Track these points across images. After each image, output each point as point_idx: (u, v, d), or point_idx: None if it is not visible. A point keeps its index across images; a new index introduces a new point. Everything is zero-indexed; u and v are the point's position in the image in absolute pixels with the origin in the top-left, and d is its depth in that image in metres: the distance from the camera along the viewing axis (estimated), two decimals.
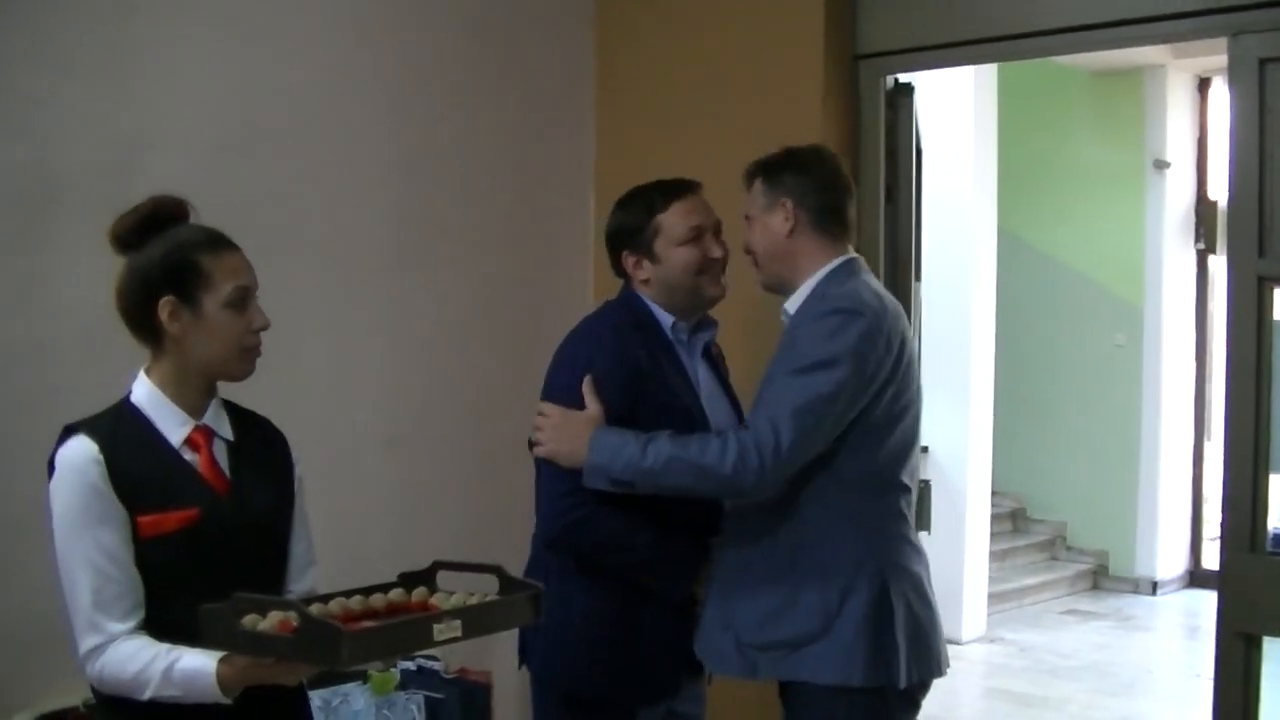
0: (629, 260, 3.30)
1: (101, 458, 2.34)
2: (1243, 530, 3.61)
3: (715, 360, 3.47)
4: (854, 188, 3.25)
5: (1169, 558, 10.21)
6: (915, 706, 3.07)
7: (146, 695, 2.29)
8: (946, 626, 3.35)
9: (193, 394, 2.48)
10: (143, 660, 2.29)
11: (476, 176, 4.54)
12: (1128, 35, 3.93)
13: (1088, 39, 4.01)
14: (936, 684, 3.10)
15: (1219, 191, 9.84)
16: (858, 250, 3.23)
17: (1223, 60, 3.77)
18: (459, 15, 4.50)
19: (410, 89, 4.34)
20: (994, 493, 9.11)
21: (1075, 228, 10.43)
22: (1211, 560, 9.80)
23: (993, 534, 9.12)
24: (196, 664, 2.27)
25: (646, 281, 3.28)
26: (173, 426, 2.45)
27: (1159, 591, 10.08)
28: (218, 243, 2.47)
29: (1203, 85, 10.26)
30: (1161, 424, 10.04)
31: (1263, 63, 3.61)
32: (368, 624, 2.26)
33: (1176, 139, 10.13)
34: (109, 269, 2.47)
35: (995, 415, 8.81)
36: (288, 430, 2.70)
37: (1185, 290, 10.24)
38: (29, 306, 3.43)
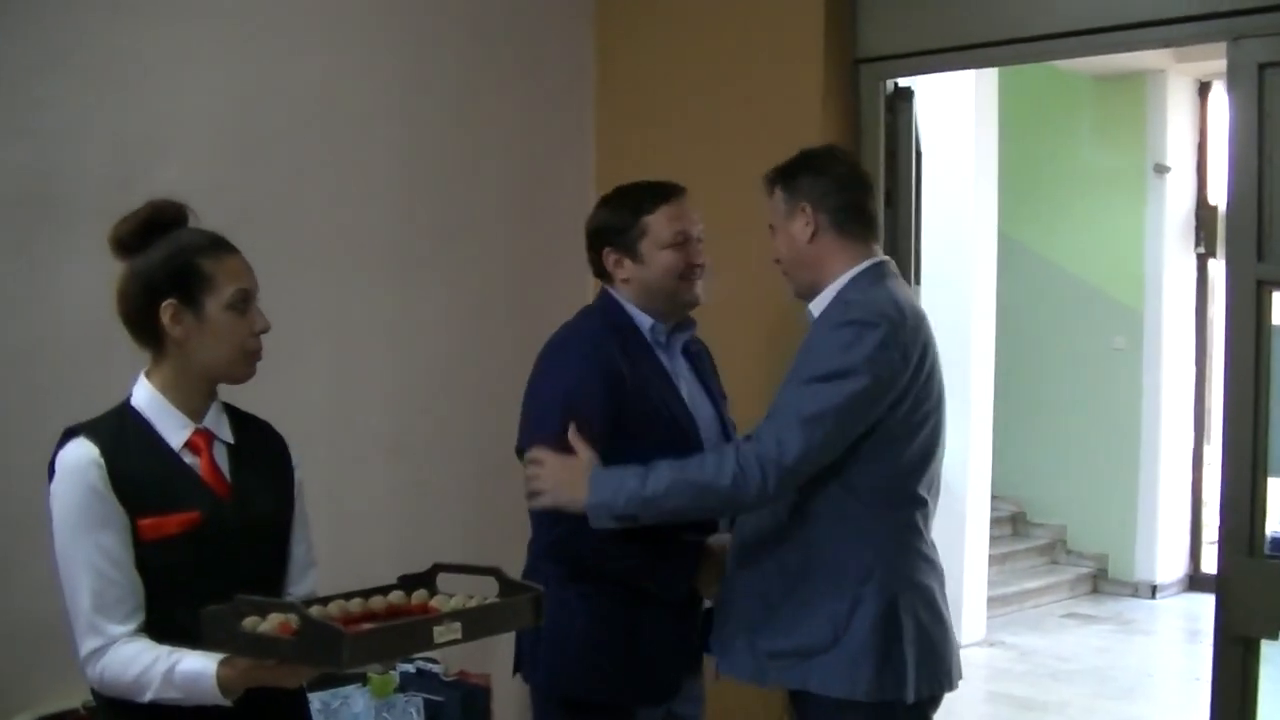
0: (610, 258, 3.29)
1: (102, 460, 2.34)
2: (1241, 534, 3.62)
3: (695, 358, 3.45)
4: (873, 183, 3.21)
5: (1169, 561, 10.20)
6: None
7: (147, 697, 2.29)
8: None
9: (194, 397, 2.48)
10: (143, 663, 2.29)
11: (477, 180, 4.55)
12: (1127, 40, 3.94)
13: (1088, 43, 4.02)
14: None
15: (1219, 196, 9.84)
16: None
17: (1223, 65, 3.77)
18: (460, 19, 4.51)
19: (411, 93, 4.35)
20: (994, 496, 9.10)
21: (1076, 232, 10.42)
22: (1211, 564, 9.79)
23: (992, 538, 9.11)
24: (197, 666, 2.27)
25: (626, 281, 3.27)
26: (173, 429, 2.45)
27: (1159, 595, 10.07)
28: (219, 246, 2.48)
29: (1203, 90, 10.25)
30: (1161, 428, 10.03)
31: (1262, 67, 3.61)
32: (368, 626, 2.26)
33: (1177, 143, 10.12)
34: (110, 272, 2.47)
35: (995, 419, 8.80)
36: (289, 433, 2.70)
37: (1185, 294, 10.23)
38: (30, 309, 3.44)
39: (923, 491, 3.01)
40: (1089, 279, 10.34)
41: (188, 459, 2.46)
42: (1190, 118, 10.25)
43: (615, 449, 3.07)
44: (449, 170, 4.46)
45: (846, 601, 2.91)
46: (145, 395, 2.46)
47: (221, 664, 2.26)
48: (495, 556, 2.75)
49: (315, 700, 3.48)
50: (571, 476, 2.98)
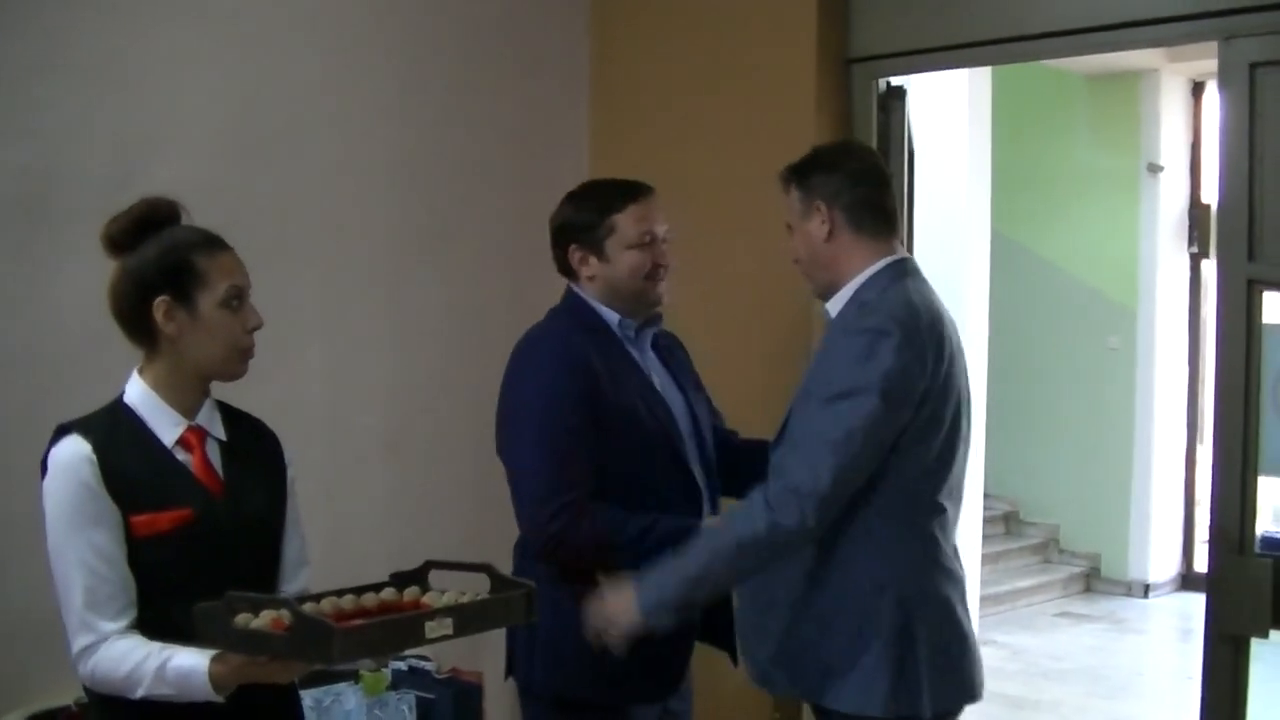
0: (575, 255, 3.25)
1: (95, 457, 2.34)
2: (1231, 532, 3.62)
3: (665, 351, 3.43)
4: (889, 176, 3.13)
5: (1161, 561, 10.23)
6: None
7: (139, 694, 2.29)
8: None
9: (186, 394, 2.48)
10: (135, 659, 2.30)
11: (473, 180, 4.55)
12: (1119, 39, 3.93)
13: (1080, 43, 4.02)
14: None
15: (1213, 196, 9.86)
16: None
17: (1216, 64, 3.77)
18: (456, 19, 4.51)
19: (407, 93, 4.35)
20: (986, 495, 9.10)
21: (1069, 231, 10.44)
22: (1204, 563, 9.82)
23: (985, 537, 9.11)
24: (189, 662, 2.27)
25: (592, 279, 3.24)
26: (166, 427, 2.45)
27: (1151, 594, 10.10)
28: (212, 243, 2.48)
29: (1197, 89, 10.27)
30: (1154, 427, 10.06)
31: (1253, 67, 3.61)
32: (359, 622, 2.27)
33: (1170, 143, 10.14)
34: (103, 271, 2.48)
35: (988, 418, 8.78)
36: (284, 432, 2.71)
37: (1179, 294, 10.25)
38: (28, 309, 3.44)
39: (942, 499, 2.93)
40: (1083, 278, 10.36)
41: (180, 456, 2.46)
42: (1184, 117, 10.28)
43: (599, 447, 3.07)
44: (445, 170, 4.46)
45: (861, 617, 2.85)
46: (138, 392, 2.46)
47: (214, 660, 2.26)
48: (490, 555, 2.76)
49: (307, 697, 3.48)
50: (619, 601, 2.90)
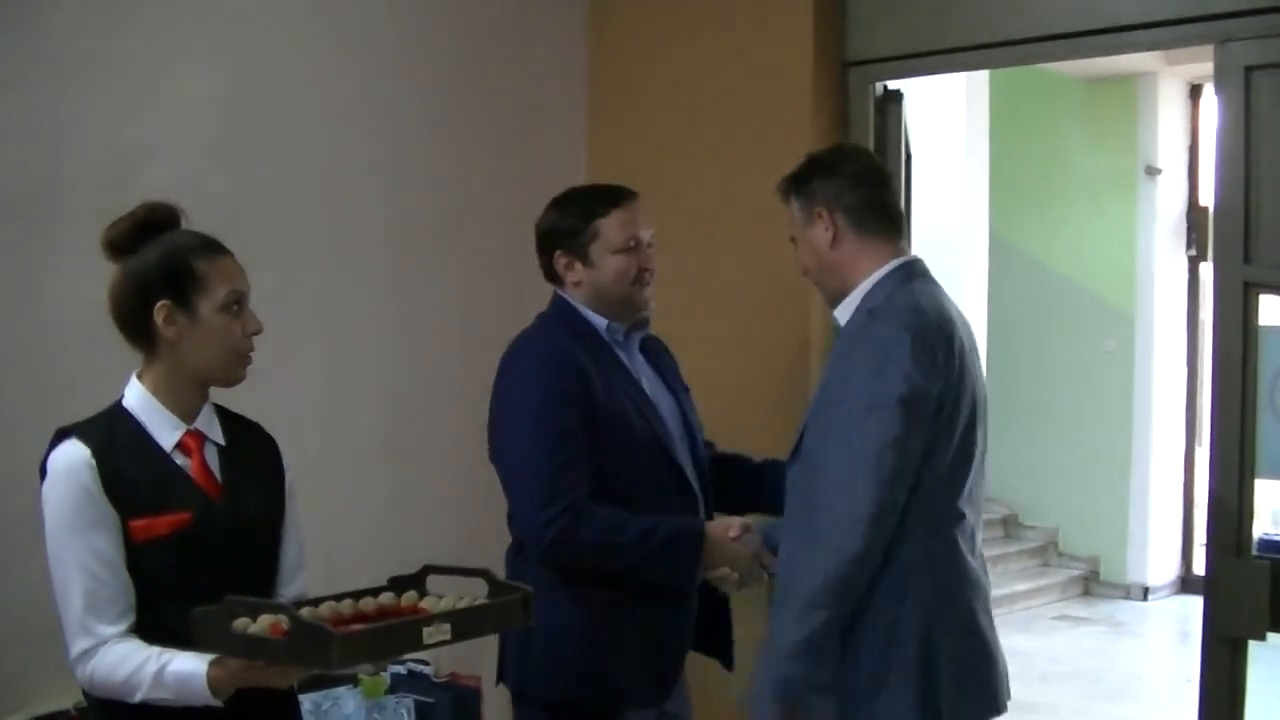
0: (560, 261, 3.26)
1: (94, 461, 2.35)
2: (1229, 535, 3.62)
3: (653, 355, 3.42)
4: (889, 176, 3.08)
5: (1160, 563, 10.23)
6: None
7: (138, 698, 2.30)
8: None
9: (185, 398, 2.49)
10: (134, 663, 2.30)
11: (469, 183, 4.55)
12: (1116, 42, 3.94)
13: (1076, 46, 4.02)
14: None
15: (1210, 198, 9.87)
16: None
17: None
18: (452, 22, 4.51)
19: (404, 96, 4.35)
20: (985, 499, 9.11)
21: (1067, 234, 10.45)
22: (1202, 566, 9.82)
23: (984, 540, 9.11)
24: (188, 667, 2.28)
25: (578, 284, 3.24)
26: (165, 430, 2.46)
27: (1150, 597, 10.10)
28: (212, 248, 2.49)
29: (1194, 92, 10.28)
30: (1153, 430, 10.06)
31: (1249, 70, 3.61)
32: (358, 627, 2.27)
33: (1168, 146, 10.15)
34: (103, 274, 2.48)
35: None
36: (281, 435, 2.71)
37: (1177, 296, 10.26)
38: (24, 311, 3.44)
39: (962, 505, 2.86)
40: (1081, 281, 10.37)
41: (179, 460, 2.46)
42: (1181, 120, 10.28)
43: (592, 449, 3.07)
44: (441, 173, 4.46)
45: (881, 635, 2.75)
46: (137, 396, 2.47)
47: (212, 665, 2.27)
48: (488, 557, 2.76)
49: (306, 701, 3.48)
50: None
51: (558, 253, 3.26)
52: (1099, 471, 10.23)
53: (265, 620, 2.20)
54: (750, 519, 3.24)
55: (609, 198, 3.25)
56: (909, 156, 4.81)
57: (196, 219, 2.53)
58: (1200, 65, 9.39)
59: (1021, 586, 9.89)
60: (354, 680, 3.77)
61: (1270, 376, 3.76)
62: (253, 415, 2.68)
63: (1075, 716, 7.25)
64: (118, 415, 2.46)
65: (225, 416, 2.59)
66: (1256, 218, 3.62)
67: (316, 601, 2.37)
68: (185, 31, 3.78)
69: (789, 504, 2.97)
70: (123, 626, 2.34)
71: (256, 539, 2.56)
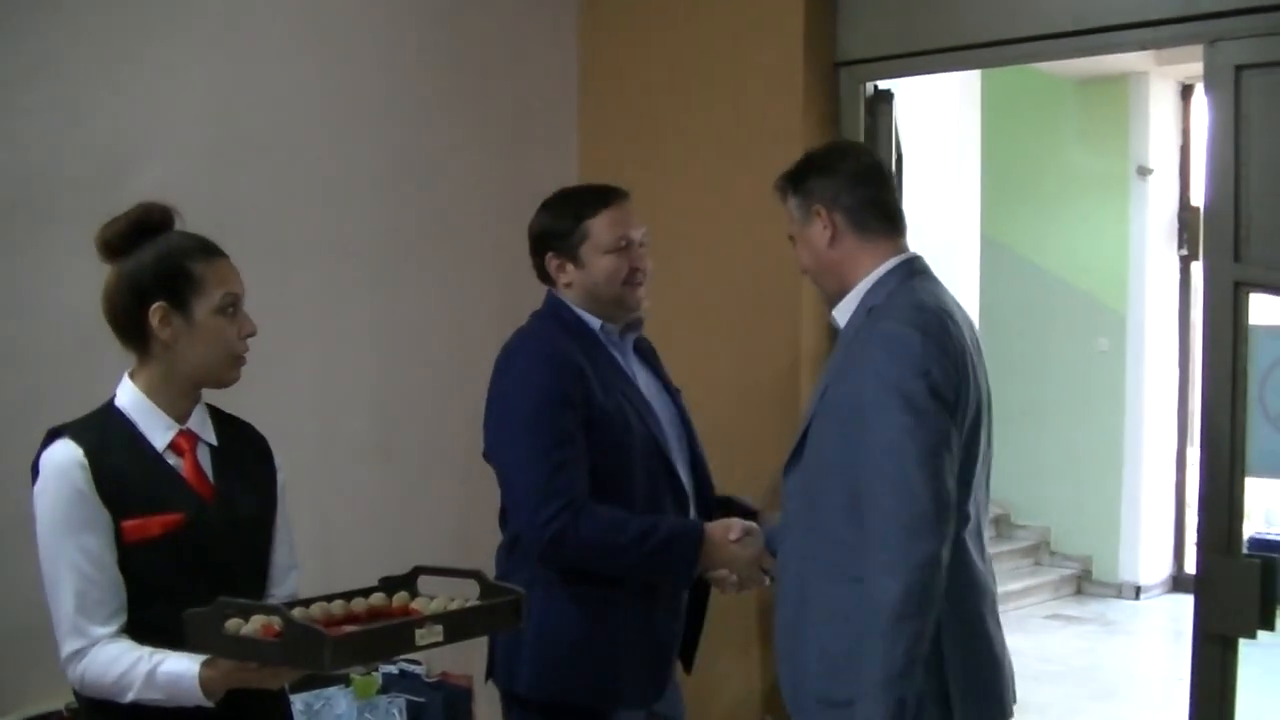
0: (552, 263, 3.26)
1: (86, 462, 2.35)
2: (1219, 533, 3.63)
3: (647, 355, 3.43)
4: (888, 173, 3.02)
5: (1152, 563, 10.24)
6: None
7: (129, 698, 2.30)
8: None
9: (179, 399, 2.49)
10: (125, 664, 2.30)
11: (462, 184, 4.55)
12: (1106, 42, 3.95)
13: (1067, 45, 4.03)
14: None
15: (1202, 198, 9.87)
16: None
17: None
18: (444, 24, 4.52)
19: (396, 99, 4.35)
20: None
21: (1059, 234, 10.45)
22: (1194, 565, 9.82)
23: None
24: (180, 667, 2.28)
25: (569, 286, 3.24)
26: (158, 431, 2.46)
27: (1142, 596, 10.11)
28: (208, 250, 2.49)
29: (1186, 92, 10.28)
30: (1145, 430, 10.07)
31: (1239, 69, 3.62)
32: (350, 628, 2.27)
33: (1160, 146, 10.15)
34: (96, 275, 2.48)
35: None
36: (273, 436, 2.71)
37: (1168, 296, 10.26)
38: (16, 312, 3.44)
39: (969, 507, 2.79)
40: (1072, 281, 10.37)
41: (171, 460, 2.47)
42: (1173, 120, 10.28)
43: (589, 448, 3.07)
44: (433, 173, 4.46)
45: None
46: (130, 396, 2.47)
47: (204, 665, 2.27)
48: (479, 558, 2.77)
49: (298, 701, 3.48)
50: None
51: (549, 254, 3.26)
52: (1091, 471, 10.24)
53: (257, 621, 2.20)
54: (752, 523, 3.23)
55: (599, 198, 3.24)
56: (900, 157, 4.81)
57: (190, 221, 2.53)
58: (1191, 65, 9.39)
59: (1013, 586, 9.88)
60: (346, 680, 3.77)
61: (1261, 375, 3.76)
62: (245, 417, 2.68)
63: (1067, 715, 7.26)
64: (110, 415, 2.46)
65: (218, 417, 2.60)
66: (1247, 217, 3.62)
67: (307, 602, 2.37)
68: (179, 35, 3.78)
69: (788, 508, 2.94)
70: (114, 627, 2.35)
71: (248, 540, 2.56)
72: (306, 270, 4.06)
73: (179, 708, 2.30)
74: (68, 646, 2.34)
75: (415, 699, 3.85)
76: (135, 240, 2.45)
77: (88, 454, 2.36)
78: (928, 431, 2.61)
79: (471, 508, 4.41)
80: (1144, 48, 4.28)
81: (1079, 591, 10.39)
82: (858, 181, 2.90)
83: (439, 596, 2.44)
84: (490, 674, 3.28)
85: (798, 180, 2.95)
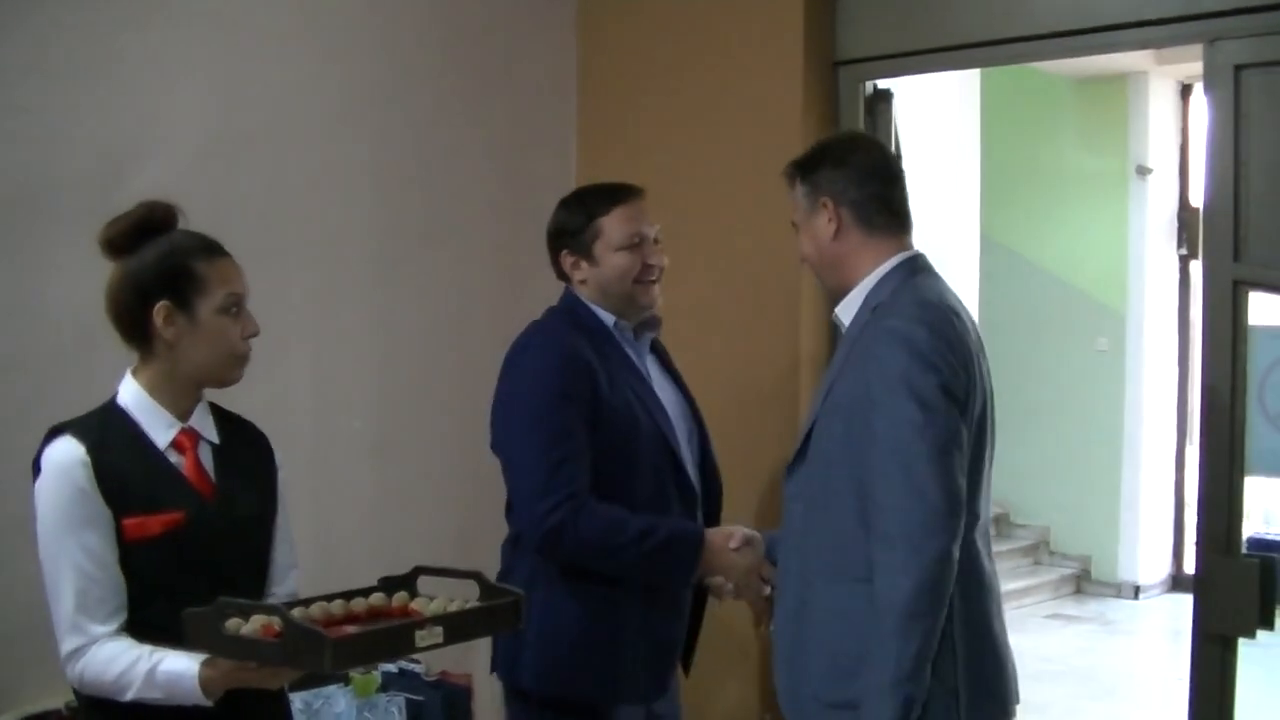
0: (567, 260, 3.29)
1: (89, 459, 2.35)
2: (1219, 533, 3.63)
3: (663, 355, 3.46)
4: (899, 172, 2.96)
5: (1152, 562, 10.23)
6: None
7: (128, 697, 2.30)
8: None
9: (181, 397, 2.49)
10: (125, 662, 2.30)
11: (459, 182, 4.55)
12: (1105, 41, 3.94)
13: (1066, 45, 4.03)
14: None
15: (1201, 197, 9.86)
16: None
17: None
18: (443, 24, 4.51)
19: (395, 97, 4.35)
20: None
21: (1058, 234, 10.45)
22: (1193, 564, 9.81)
23: None
24: (179, 666, 2.28)
25: (583, 283, 3.27)
26: (159, 429, 2.46)
27: (1142, 596, 10.10)
28: (212, 249, 2.50)
29: (1185, 92, 10.27)
30: (1144, 429, 10.06)
31: (1238, 69, 3.62)
32: (351, 629, 2.27)
33: (1159, 145, 10.15)
34: (96, 274, 2.49)
35: None
36: (272, 435, 2.72)
37: (1168, 296, 10.26)
38: (16, 311, 3.44)
39: (978, 506, 2.76)
40: (1072, 281, 10.37)
41: (173, 458, 2.47)
42: (1172, 120, 10.28)
43: (594, 443, 3.09)
44: (431, 172, 4.46)
45: None
46: (132, 394, 2.47)
47: (204, 665, 2.27)
48: (478, 558, 2.77)
49: (297, 700, 3.48)
50: None
51: (564, 251, 3.29)
52: (1090, 470, 10.24)
53: (257, 621, 2.20)
54: (754, 531, 3.23)
55: (612, 196, 3.27)
56: (899, 156, 4.81)
57: (187, 220, 2.53)
58: (1191, 65, 9.39)
59: (1013, 585, 9.87)
60: (345, 679, 3.77)
61: (1260, 375, 3.76)
62: (244, 415, 2.68)
63: (1067, 715, 7.25)
64: (112, 413, 2.46)
65: (219, 415, 2.60)
66: (1246, 216, 3.62)
67: (307, 602, 2.37)
68: (177, 34, 3.78)
69: (789, 510, 2.91)
70: (114, 625, 2.35)
71: (249, 538, 2.57)
72: (304, 269, 4.06)
73: (178, 706, 2.30)
74: (67, 644, 2.34)
75: (414, 698, 3.85)
76: (139, 239, 2.45)
77: (89, 452, 2.36)
78: (938, 429, 2.59)
79: (470, 506, 4.42)
80: (1144, 47, 4.29)
81: (1078, 591, 10.39)
82: (867, 177, 2.86)
83: (439, 597, 2.44)
84: (494, 666, 3.30)
85: (807, 169, 2.92)
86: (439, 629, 2.27)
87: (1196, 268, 9.92)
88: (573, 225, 3.27)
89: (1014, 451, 9.96)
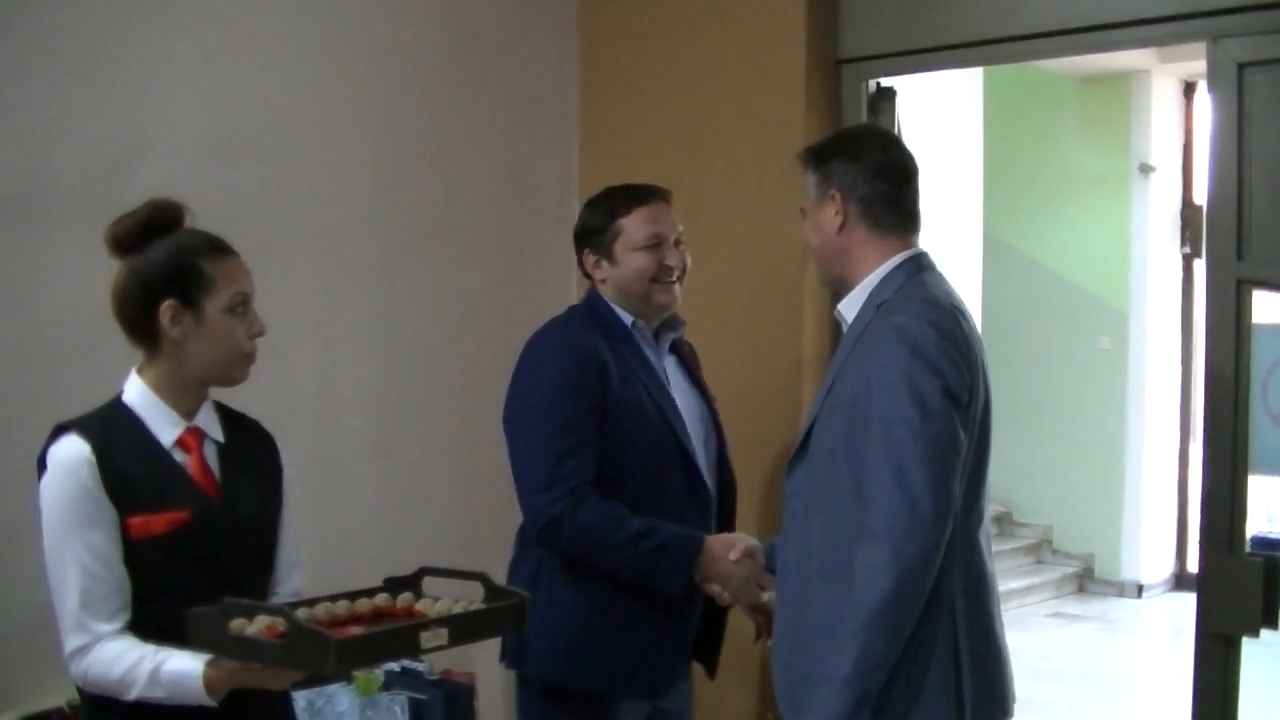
0: (589, 259, 3.36)
1: (94, 458, 2.35)
2: (1221, 532, 3.62)
3: (686, 357, 3.50)
4: (914, 172, 2.93)
5: (1155, 561, 10.23)
6: None
7: (132, 696, 2.30)
8: None
9: (186, 396, 2.50)
10: (129, 661, 2.30)
11: (463, 183, 4.55)
12: (1108, 39, 3.93)
13: (1069, 43, 4.02)
14: None
15: (1204, 196, 9.85)
16: None
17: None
18: (445, 22, 4.51)
19: (397, 95, 4.35)
20: None
21: (1060, 233, 10.45)
22: (1196, 563, 9.80)
23: None
24: (183, 666, 2.28)
25: (604, 281, 3.34)
26: (165, 427, 2.46)
27: (1144, 595, 10.10)
28: (219, 248, 2.50)
29: (1188, 90, 10.27)
30: (1147, 428, 10.06)
31: (1242, 67, 3.61)
32: (355, 631, 2.28)
33: (1162, 144, 10.14)
34: (101, 272, 2.48)
35: None
36: (275, 434, 2.72)
37: (1170, 294, 10.25)
38: (21, 309, 3.44)
39: (982, 505, 2.80)
40: (1074, 280, 10.36)
41: (178, 457, 2.47)
42: (1175, 118, 10.28)
43: (603, 438, 3.12)
44: (432, 171, 4.46)
45: (912, 643, 2.61)
46: (138, 392, 2.47)
47: (208, 665, 2.27)
48: (481, 557, 2.77)
49: (300, 698, 3.48)
50: None
51: (586, 251, 3.37)
52: (1093, 469, 10.24)
53: (262, 622, 2.20)
54: (756, 542, 3.23)
55: (634, 196, 3.33)
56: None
57: (193, 218, 2.53)
58: (1194, 63, 9.38)
59: (1016, 584, 9.88)
60: (348, 678, 3.77)
61: (1263, 373, 3.76)
62: (248, 415, 2.68)
63: (1069, 714, 7.25)
64: (117, 411, 2.46)
65: (225, 414, 2.60)
66: (1249, 215, 3.61)
67: (312, 602, 2.38)
68: (178, 31, 3.77)
69: (789, 507, 2.91)
70: (118, 624, 2.35)
71: (253, 538, 2.57)
72: (307, 268, 4.06)
73: (182, 706, 2.31)
74: (71, 643, 2.34)
75: (417, 696, 3.85)
76: (146, 237, 2.45)
77: (95, 450, 2.36)
78: (934, 432, 2.58)
79: (471, 505, 4.43)
80: (1147, 45, 4.28)
81: (1081, 590, 10.39)
82: (879, 173, 2.84)
83: (443, 598, 2.45)
84: (503, 655, 3.34)
85: (821, 158, 2.90)
86: (444, 631, 2.28)
87: (1199, 266, 10.01)
88: (595, 224, 3.34)
89: (1017, 450, 10.05)
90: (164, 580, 2.38)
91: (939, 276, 2.86)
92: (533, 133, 4.81)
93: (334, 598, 2.41)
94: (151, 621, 2.35)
